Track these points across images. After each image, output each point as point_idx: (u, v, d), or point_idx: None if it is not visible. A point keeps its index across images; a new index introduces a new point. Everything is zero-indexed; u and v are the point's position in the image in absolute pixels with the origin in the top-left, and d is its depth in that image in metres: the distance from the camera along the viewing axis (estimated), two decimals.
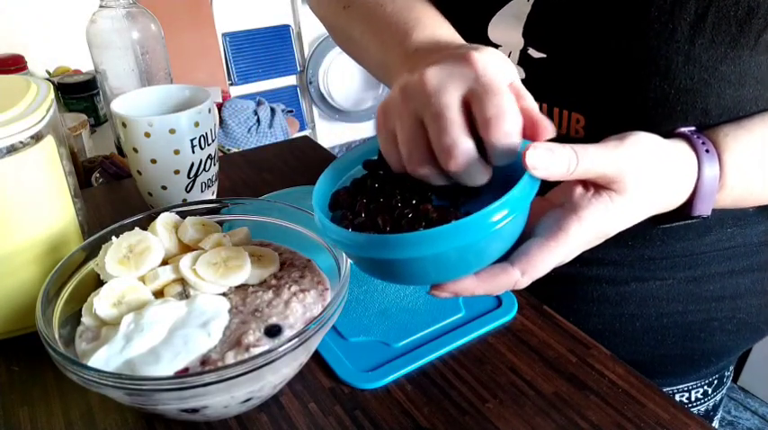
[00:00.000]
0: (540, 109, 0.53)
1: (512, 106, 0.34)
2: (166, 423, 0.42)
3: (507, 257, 0.37)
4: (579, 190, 0.38)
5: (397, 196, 0.38)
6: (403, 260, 0.34)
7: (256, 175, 0.78)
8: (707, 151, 0.41)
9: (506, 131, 0.34)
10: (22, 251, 0.46)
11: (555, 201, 0.40)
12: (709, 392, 0.65)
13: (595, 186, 0.38)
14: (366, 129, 3.29)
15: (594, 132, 0.50)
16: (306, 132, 3.00)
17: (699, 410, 0.65)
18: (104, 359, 0.38)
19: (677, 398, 0.64)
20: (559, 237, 0.37)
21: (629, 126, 0.40)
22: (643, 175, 0.37)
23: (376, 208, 0.37)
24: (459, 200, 0.38)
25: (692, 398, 0.64)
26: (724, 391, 0.67)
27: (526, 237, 0.37)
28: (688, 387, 0.64)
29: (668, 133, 0.43)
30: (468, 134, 0.35)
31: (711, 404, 0.66)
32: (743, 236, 0.56)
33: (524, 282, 0.37)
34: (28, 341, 0.48)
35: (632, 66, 0.46)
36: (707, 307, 0.58)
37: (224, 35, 2.68)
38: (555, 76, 0.51)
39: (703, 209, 0.42)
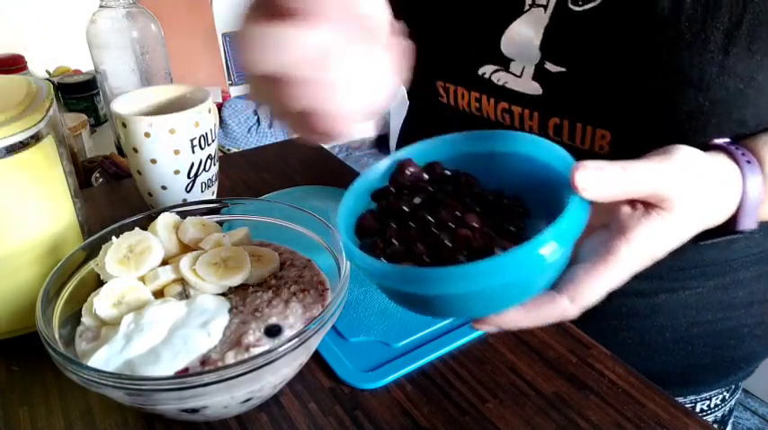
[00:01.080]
0: (561, 125, 0.50)
1: None
2: (166, 423, 0.42)
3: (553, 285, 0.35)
4: (626, 209, 0.36)
5: (430, 219, 0.35)
6: (444, 295, 0.31)
7: (256, 175, 0.78)
8: (748, 162, 0.40)
9: None
10: (22, 251, 0.46)
11: (596, 223, 0.37)
12: (727, 397, 0.65)
13: (643, 205, 0.36)
14: (366, 130, 3.29)
15: (621, 147, 0.47)
16: None
17: (716, 416, 0.65)
18: (104, 359, 0.38)
19: (699, 406, 0.63)
20: (608, 260, 0.34)
21: (660, 139, 0.38)
22: (691, 191, 0.36)
23: (409, 234, 0.34)
24: (498, 221, 0.35)
25: (712, 405, 0.64)
26: (738, 395, 0.67)
27: (571, 262, 0.36)
28: (710, 394, 0.63)
29: (704, 146, 0.41)
30: None
31: (727, 408, 0.66)
32: None
33: (573, 312, 0.35)
34: (28, 341, 0.47)
35: (663, 78, 0.44)
36: (737, 313, 0.57)
37: (224, 35, 2.68)
38: (576, 90, 0.49)
39: (748, 223, 0.40)
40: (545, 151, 0.36)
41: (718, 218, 0.40)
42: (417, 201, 0.36)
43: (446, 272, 0.29)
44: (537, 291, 0.34)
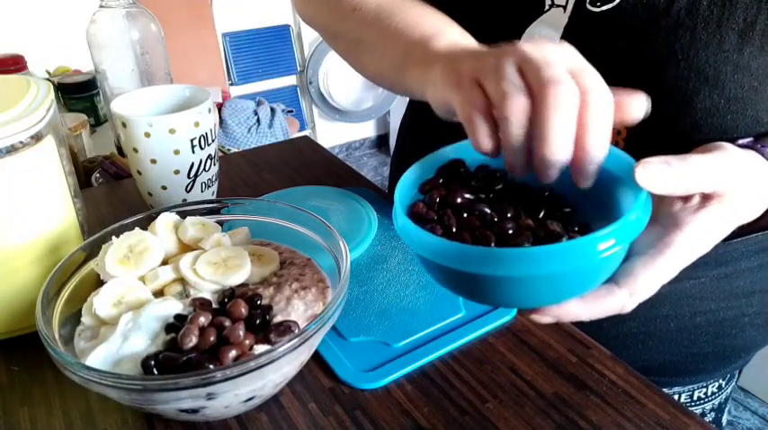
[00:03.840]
0: None
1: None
2: (166, 423, 0.42)
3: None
4: (679, 203, 0.37)
5: (487, 211, 0.35)
6: (505, 278, 0.31)
7: (256, 175, 0.78)
8: None
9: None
10: (21, 251, 0.46)
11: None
12: (723, 385, 0.66)
13: (701, 197, 0.37)
14: (366, 130, 3.29)
15: (636, 144, 0.49)
16: (306, 132, 3.00)
17: (713, 403, 0.66)
18: (102, 357, 0.38)
19: (696, 394, 0.64)
20: (665, 253, 0.35)
21: (676, 136, 0.39)
22: (741, 185, 0.37)
23: (470, 222, 0.34)
24: (558, 215, 0.36)
25: (709, 393, 0.65)
26: (734, 383, 0.69)
27: (626, 255, 0.36)
28: (707, 382, 0.64)
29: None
30: None
31: (724, 396, 0.67)
32: None
33: (631, 305, 0.36)
34: (28, 341, 0.48)
35: (679, 76, 0.45)
36: (738, 303, 0.58)
37: (224, 35, 2.68)
38: None
39: None
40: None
41: (755, 213, 0.41)
42: (468, 195, 0.37)
43: (513, 252, 0.30)
44: (596, 284, 0.34)
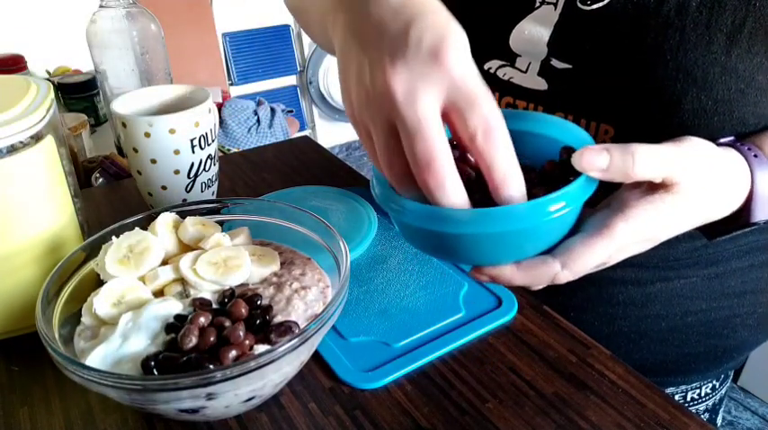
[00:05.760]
0: (565, 119, 0.52)
1: (501, 120, 0.33)
2: (166, 423, 0.42)
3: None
4: (628, 188, 0.38)
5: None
6: (453, 235, 0.34)
7: (256, 175, 0.78)
8: (755, 156, 0.41)
9: (498, 145, 0.32)
10: (21, 251, 0.46)
11: (604, 204, 0.40)
12: (717, 386, 0.66)
13: (649, 185, 0.37)
14: None
15: (624, 143, 0.50)
16: (306, 132, 3.00)
17: (707, 405, 0.66)
18: (102, 357, 0.38)
19: (689, 395, 0.65)
20: (603, 233, 0.36)
21: (663, 136, 0.39)
22: (698, 179, 0.37)
23: None
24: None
25: (702, 394, 0.65)
26: (728, 384, 0.69)
27: (572, 234, 0.38)
28: (700, 383, 0.64)
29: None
30: (448, 147, 0.33)
31: (718, 397, 0.67)
32: (760, 230, 0.56)
33: (565, 276, 0.37)
34: (28, 341, 0.47)
35: (667, 77, 0.45)
36: (729, 303, 0.58)
37: (224, 35, 2.68)
38: (581, 87, 0.50)
39: (762, 215, 0.42)
40: (567, 133, 0.39)
41: (724, 210, 0.41)
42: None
43: (448, 212, 0.33)
44: (534, 250, 0.36)
